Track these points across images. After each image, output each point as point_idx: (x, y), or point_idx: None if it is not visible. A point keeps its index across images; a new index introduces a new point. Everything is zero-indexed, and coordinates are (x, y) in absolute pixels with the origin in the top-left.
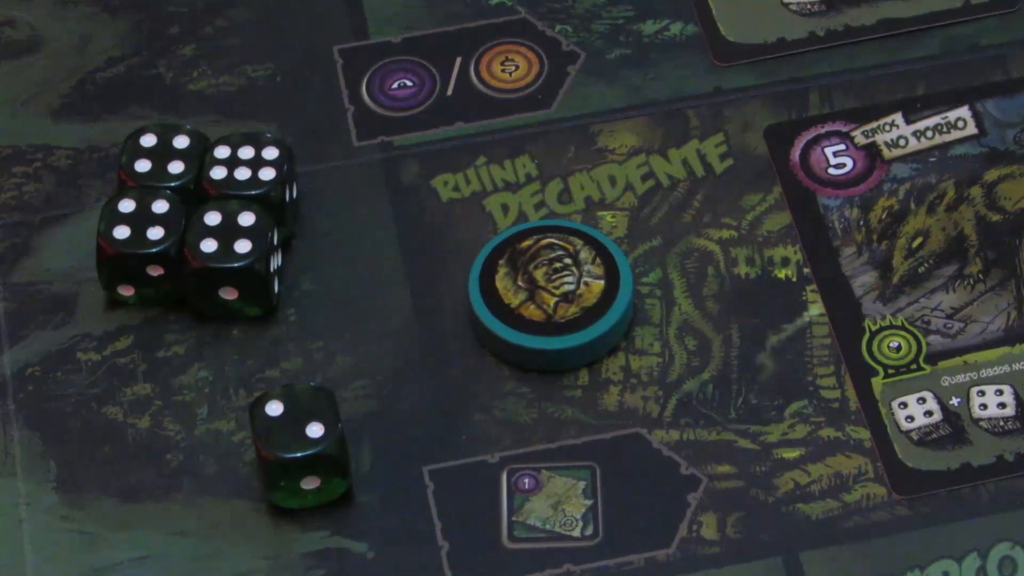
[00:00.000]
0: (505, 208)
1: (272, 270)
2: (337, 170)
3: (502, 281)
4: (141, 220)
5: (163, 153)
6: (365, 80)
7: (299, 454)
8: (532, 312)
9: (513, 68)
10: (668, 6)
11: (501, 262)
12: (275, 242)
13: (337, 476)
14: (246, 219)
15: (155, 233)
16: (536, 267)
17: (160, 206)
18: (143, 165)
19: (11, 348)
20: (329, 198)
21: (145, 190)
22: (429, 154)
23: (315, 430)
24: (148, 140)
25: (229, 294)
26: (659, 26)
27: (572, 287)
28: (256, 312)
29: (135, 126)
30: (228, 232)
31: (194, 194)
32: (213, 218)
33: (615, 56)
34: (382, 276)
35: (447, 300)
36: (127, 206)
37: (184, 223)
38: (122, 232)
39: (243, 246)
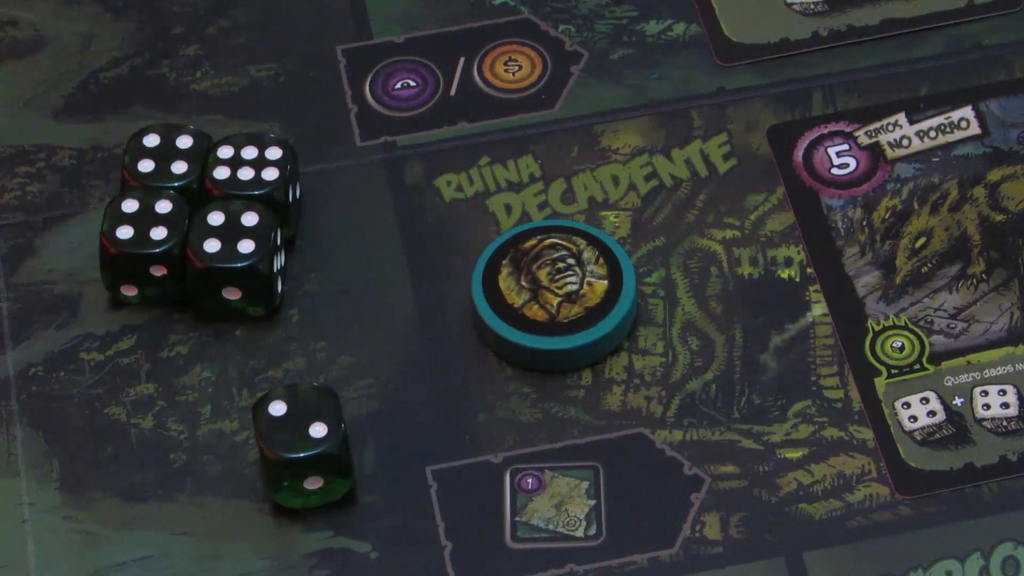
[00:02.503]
0: (508, 208)
1: (275, 270)
2: (340, 170)
3: (505, 281)
4: (144, 220)
5: (166, 153)
6: (368, 80)
7: (302, 454)
8: (535, 312)
9: (516, 68)
10: (671, 6)
11: (504, 262)
12: (278, 242)
13: (340, 476)
14: (249, 219)
15: (158, 233)
16: (539, 267)
17: (163, 206)
18: (146, 165)
19: (14, 348)
20: (332, 198)
21: (148, 190)
22: (432, 154)
23: (318, 430)
24: (151, 140)
25: (232, 294)
26: (662, 26)
27: (575, 287)
28: (259, 312)
29: (138, 126)
30: (231, 232)
31: (197, 194)
32: (216, 218)
33: (618, 56)
34: (385, 276)
35: (450, 300)
36: (130, 206)
37: (187, 223)
38: (125, 232)
39: (246, 246)
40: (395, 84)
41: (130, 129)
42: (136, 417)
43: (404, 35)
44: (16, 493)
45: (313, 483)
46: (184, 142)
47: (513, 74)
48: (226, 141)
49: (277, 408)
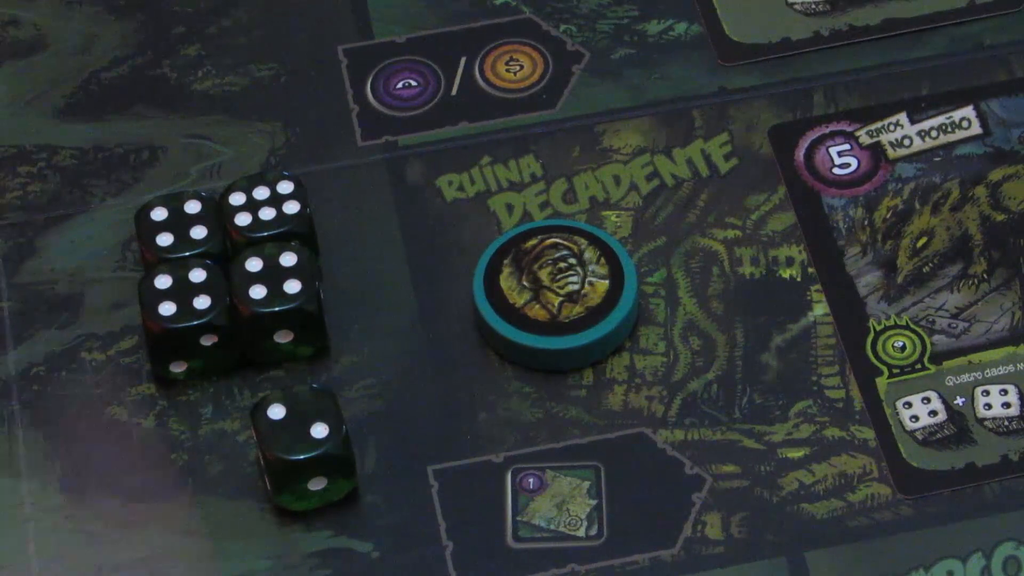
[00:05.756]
0: (510, 208)
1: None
2: (342, 170)
3: (506, 281)
4: (183, 293)
5: (179, 222)
6: (370, 80)
7: (305, 455)
8: (537, 312)
9: (518, 68)
10: (673, 6)
11: (505, 262)
12: (320, 276)
13: (343, 476)
14: (288, 259)
15: (202, 302)
16: (541, 267)
17: (198, 275)
18: (165, 239)
19: (16, 348)
20: (333, 198)
21: (175, 263)
22: (434, 154)
23: (320, 431)
24: (159, 214)
25: (284, 337)
26: (664, 26)
27: (576, 287)
28: (308, 352)
29: (140, 126)
30: (273, 275)
31: (225, 251)
32: (255, 264)
33: (620, 56)
34: (386, 276)
35: (451, 300)
36: (164, 282)
37: (227, 285)
38: (168, 308)
39: (292, 286)
40: (396, 84)
41: (132, 129)
42: (137, 417)
43: (405, 35)
44: (17, 493)
45: (317, 484)
46: (192, 207)
47: (514, 74)
48: (233, 189)
49: (276, 411)
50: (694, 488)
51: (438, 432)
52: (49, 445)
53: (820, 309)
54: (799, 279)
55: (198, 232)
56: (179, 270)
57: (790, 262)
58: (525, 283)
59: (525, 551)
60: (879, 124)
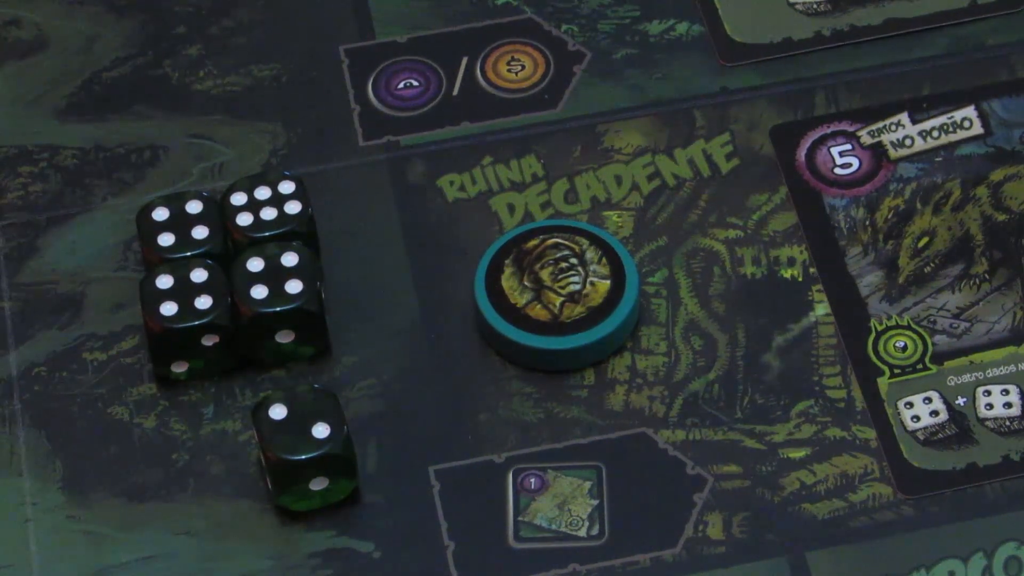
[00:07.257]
0: (511, 208)
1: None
2: (343, 170)
3: (508, 281)
4: (184, 293)
5: (180, 222)
6: (371, 80)
7: (306, 456)
8: (538, 312)
9: (519, 68)
10: (674, 6)
11: (507, 262)
12: (321, 276)
13: (344, 476)
14: (290, 259)
15: (203, 302)
16: (542, 267)
17: (199, 275)
18: (166, 239)
19: (17, 348)
20: (335, 198)
21: (176, 263)
22: (435, 154)
23: (321, 431)
24: (160, 214)
25: (285, 337)
26: (665, 26)
27: (578, 287)
28: (310, 352)
29: (141, 126)
30: (275, 275)
31: (227, 251)
32: (256, 264)
33: (621, 56)
34: (388, 276)
35: (453, 300)
36: (165, 282)
37: (228, 286)
38: (169, 308)
39: (294, 286)
40: (398, 84)
41: (133, 129)
42: (139, 417)
43: (407, 35)
44: (19, 493)
45: (318, 484)
46: (194, 207)
47: (516, 74)
48: (234, 189)
49: (277, 412)
50: (695, 488)
51: (439, 432)
52: (50, 445)
53: (821, 309)
54: (800, 279)
55: (199, 232)
56: (180, 270)
57: (791, 262)
58: (526, 283)
59: (526, 551)
60: (880, 124)
